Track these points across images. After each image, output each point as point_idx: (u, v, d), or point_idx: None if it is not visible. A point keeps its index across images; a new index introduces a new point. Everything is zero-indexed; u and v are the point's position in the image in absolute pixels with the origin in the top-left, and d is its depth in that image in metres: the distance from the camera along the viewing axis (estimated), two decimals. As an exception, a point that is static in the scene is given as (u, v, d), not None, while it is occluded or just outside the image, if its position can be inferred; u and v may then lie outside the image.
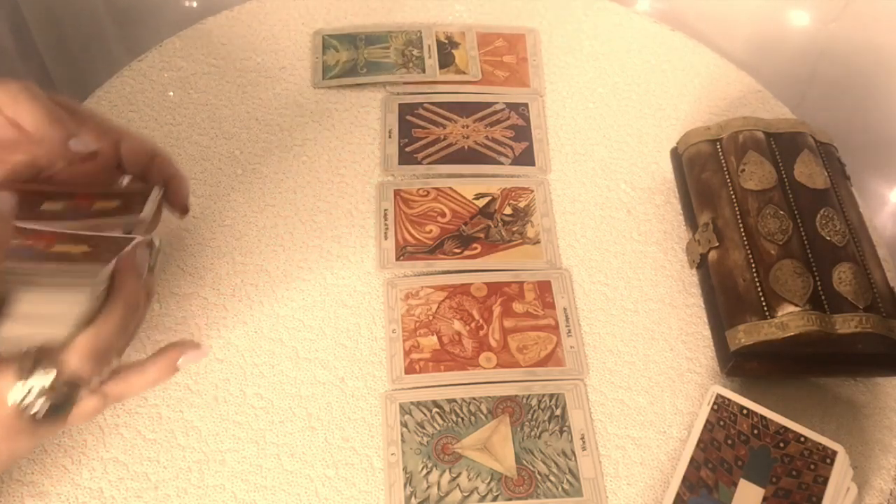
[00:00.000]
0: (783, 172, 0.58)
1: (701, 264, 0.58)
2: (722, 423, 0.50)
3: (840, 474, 0.48)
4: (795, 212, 0.56)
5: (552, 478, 0.51)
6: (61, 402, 0.39)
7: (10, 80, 0.43)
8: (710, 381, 0.55)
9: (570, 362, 0.55)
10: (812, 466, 0.49)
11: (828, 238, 0.54)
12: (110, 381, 0.42)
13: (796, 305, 0.51)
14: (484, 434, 0.52)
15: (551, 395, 0.54)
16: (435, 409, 0.53)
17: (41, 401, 0.38)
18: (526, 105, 0.69)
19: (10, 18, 0.85)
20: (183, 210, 0.51)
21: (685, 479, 0.48)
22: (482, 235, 0.61)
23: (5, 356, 0.38)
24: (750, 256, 0.54)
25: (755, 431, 0.50)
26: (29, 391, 0.38)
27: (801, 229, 0.55)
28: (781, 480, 0.48)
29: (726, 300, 0.54)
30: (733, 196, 0.57)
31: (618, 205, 0.64)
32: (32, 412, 0.38)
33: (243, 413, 0.53)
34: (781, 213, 0.55)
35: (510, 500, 0.50)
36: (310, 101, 0.69)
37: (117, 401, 0.43)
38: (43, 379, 0.38)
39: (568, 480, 0.51)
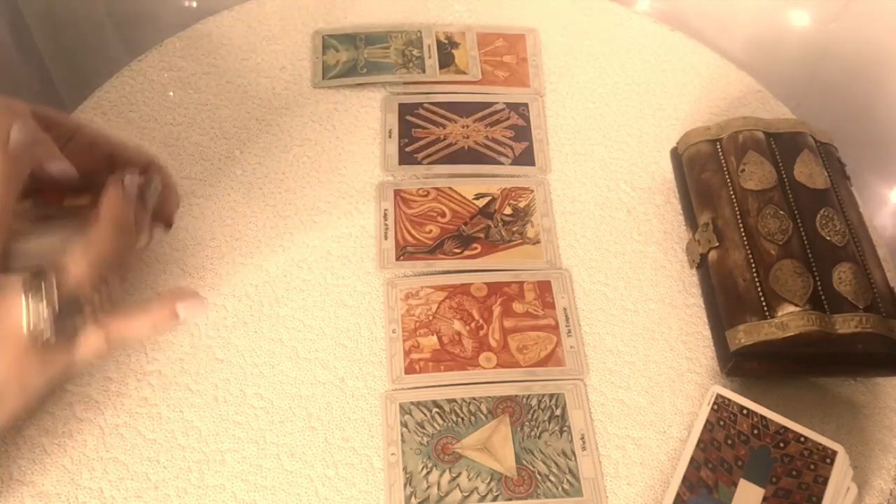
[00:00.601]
0: (783, 172, 0.58)
1: (701, 264, 0.58)
2: (722, 423, 0.50)
3: (840, 474, 0.48)
4: (795, 212, 0.56)
5: (552, 478, 0.51)
6: (66, 319, 0.40)
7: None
8: (710, 381, 0.55)
9: (570, 362, 0.56)
10: (812, 466, 0.49)
11: (828, 238, 0.54)
12: (111, 314, 0.43)
13: (796, 305, 0.51)
14: (484, 434, 0.52)
15: (551, 395, 0.54)
16: (435, 409, 0.53)
17: (47, 317, 0.39)
18: (526, 105, 0.69)
19: (10, 18, 0.85)
20: (168, 223, 0.51)
21: (685, 479, 0.48)
22: (482, 235, 0.61)
23: (9, 280, 0.39)
24: (750, 256, 0.54)
25: (755, 431, 0.50)
26: (35, 307, 0.39)
27: (801, 229, 0.55)
28: (781, 480, 0.48)
29: (726, 300, 0.54)
30: (733, 196, 0.57)
31: (618, 205, 0.64)
32: (40, 330, 0.39)
33: (243, 413, 0.53)
34: (781, 213, 0.55)
35: (510, 500, 0.50)
36: (310, 101, 0.69)
37: (119, 342, 0.44)
38: (47, 292, 0.39)
39: (568, 480, 0.51)
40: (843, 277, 0.52)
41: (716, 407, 0.51)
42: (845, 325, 0.51)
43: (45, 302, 0.39)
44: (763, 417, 0.51)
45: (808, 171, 0.57)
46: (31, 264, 0.41)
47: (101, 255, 0.41)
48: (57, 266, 0.40)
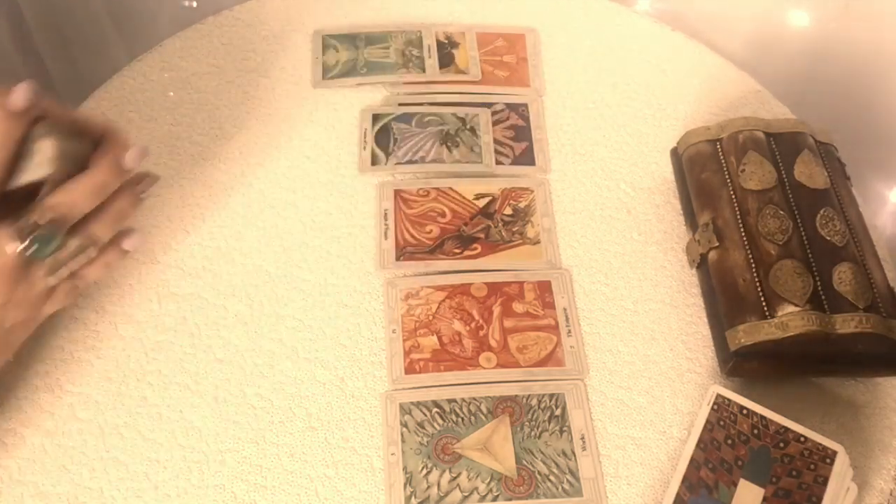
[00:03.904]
0: (783, 172, 0.58)
1: (701, 264, 0.58)
2: (722, 423, 0.50)
3: (840, 474, 0.48)
4: (795, 212, 0.56)
5: (552, 478, 0.51)
6: (47, 237, 0.43)
7: None
8: (710, 381, 0.55)
9: (570, 362, 0.56)
10: (812, 466, 0.49)
11: (828, 238, 0.54)
12: (57, 194, 0.45)
13: (796, 305, 0.51)
14: (484, 434, 0.52)
15: (551, 395, 0.54)
16: (435, 409, 0.53)
17: (29, 239, 0.43)
18: (526, 105, 0.69)
19: (10, 18, 0.85)
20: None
21: (685, 479, 0.48)
22: (482, 235, 0.61)
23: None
24: (750, 256, 0.54)
25: (755, 431, 0.50)
26: (24, 235, 0.43)
27: (801, 229, 0.55)
28: (781, 480, 0.48)
29: (726, 300, 0.54)
30: (733, 196, 0.57)
31: (618, 205, 0.64)
32: (23, 248, 0.43)
33: (243, 413, 0.53)
34: (781, 213, 0.55)
35: (510, 500, 0.50)
36: (310, 101, 0.69)
37: (71, 215, 0.45)
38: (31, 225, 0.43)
39: (568, 480, 0.51)
40: (843, 277, 0.52)
41: (716, 407, 0.51)
42: (845, 325, 0.51)
43: (29, 230, 0.43)
44: (763, 417, 0.51)
45: (808, 171, 0.57)
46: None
47: (76, 194, 0.44)
48: (38, 207, 0.43)
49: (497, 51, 0.73)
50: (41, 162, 0.44)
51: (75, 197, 0.44)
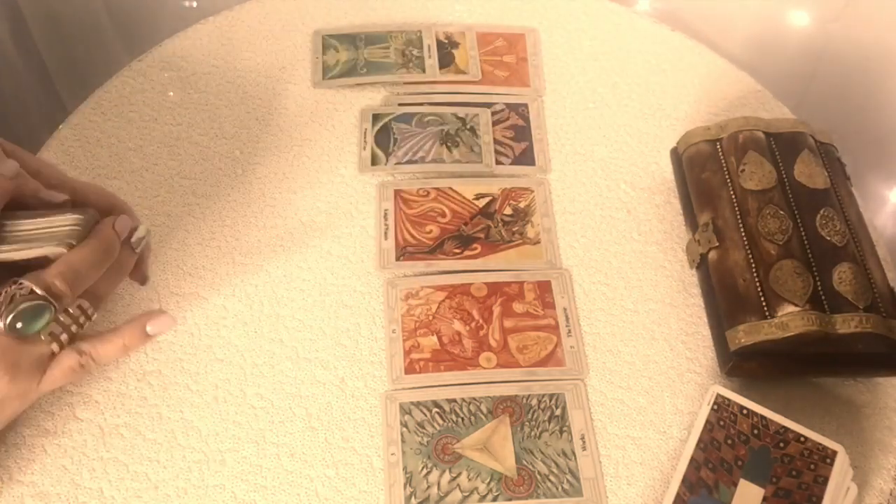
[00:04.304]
0: (783, 172, 0.58)
1: (701, 264, 0.58)
2: (722, 423, 0.50)
3: (840, 474, 0.48)
4: (795, 212, 0.56)
5: (552, 478, 0.51)
6: (34, 311, 0.42)
7: None
8: (710, 381, 0.55)
9: (570, 362, 0.56)
10: (812, 466, 0.49)
11: (828, 238, 0.54)
12: (86, 339, 0.46)
13: (796, 305, 0.51)
14: (484, 434, 0.52)
15: (551, 395, 0.54)
16: (435, 409, 0.53)
17: (14, 311, 0.42)
18: (526, 105, 0.69)
19: (10, 18, 0.85)
20: (142, 279, 0.53)
21: (685, 479, 0.48)
22: (482, 235, 0.61)
23: None
24: (750, 256, 0.54)
25: (755, 431, 0.50)
26: (7, 299, 0.42)
27: (801, 229, 0.55)
28: (781, 480, 0.48)
29: (726, 300, 0.54)
30: (733, 196, 0.57)
31: (618, 205, 0.64)
32: (7, 321, 0.42)
33: (243, 413, 0.53)
34: (781, 213, 0.55)
35: (510, 500, 0.50)
36: (310, 101, 0.69)
37: (94, 363, 0.46)
38: (17, 290, 0.42)
39: (568, 480, 0.51)
40: (843, 277, 0.52)
41: (716, 407, 0.51)
42: (845, 325, 0.51)
43: (14, 297, 0.42)
44: (763, 417, 0.51)
45: (808, 171, 0.57)
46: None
47: (76, 269, 0.44)
48: (32, 276, 0.43)
49: (497, 51, 0.73)
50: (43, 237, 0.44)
51: (71, 269, 0.44)
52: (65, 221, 0.45)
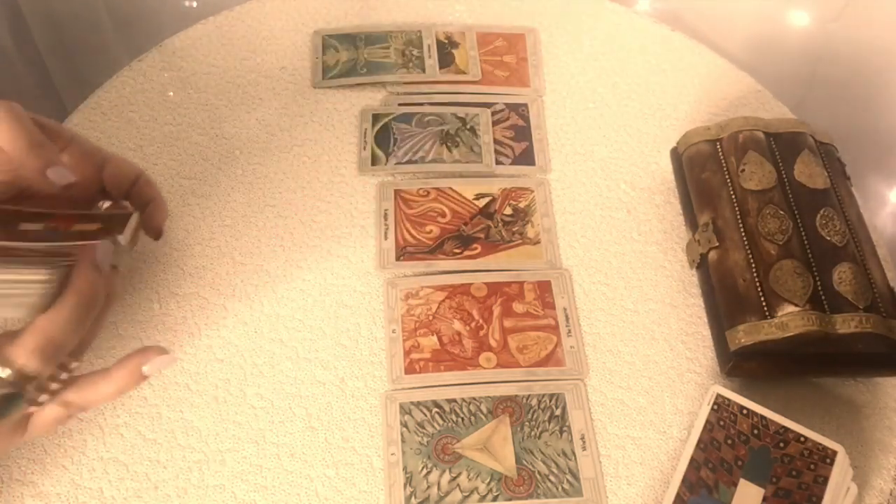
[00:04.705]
0: (783, 172, 0.58)
1: (701, 264, 0.58)
2: (722, 423, 0.50)
3: (840, 474, 0.48)
4: (795, 212, 0.56)
5: (552, 478, 0.51)
6: (9, 398, 0.38)
7: None
8: (710, 381, 0.55)
9: (570, 362, 0.56)
10: (812, 466, 0.49)
11: (828, 238, 0.54)
12: (72, 388, 0.41)
13: (796, 305, 0.51)
14: (484, 434, 0.52)
15: (551, 395, 0.54)
16: (435, 409, 0.53)
17: None
18: (526, 105, 0.69)
19: (10, 18, 0.85)
20: (157, 234, 0.50)
21: (685, 479, 0.48)
22: (482, 235, 0.61)
23: None
24: (750, 256, 0.54)
25: (755, 431, 0.50)
26: None
27: (801, 229, 0.55)
28: (781, 480, 0.48)
29: (726, 300, 0.54)
30: (733, 196, 0.57)
31: (618, 205, 0.64)
32: None
33: (243, 413, 0.53)
34: (781, 213, 0.55)
35: (510, 500, 0.50)
36: (310, 101, 0.69)
37: (83, 409, 0.42)
38: None
39: (568, 480, 0.51)
40: (843, 277, 0.52)
41: (716, 407, 0.51)
42: (845, 325, 0.51)
43: None
44: (763, 417, 0.51)
45: (808, 171, 0.57)
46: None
47: (58, 339, 0.38)
48: (3, 356, 0.37)
49: (497, 51, 0.73)
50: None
51: (49, 342, 0.37)
52: (34, 277, 0.38)
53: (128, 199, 0.49)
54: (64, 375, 0.41)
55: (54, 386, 0.40)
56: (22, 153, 0.42)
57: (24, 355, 0.37)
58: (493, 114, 0.68)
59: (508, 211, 0.63)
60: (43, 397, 0.40)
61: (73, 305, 0.38)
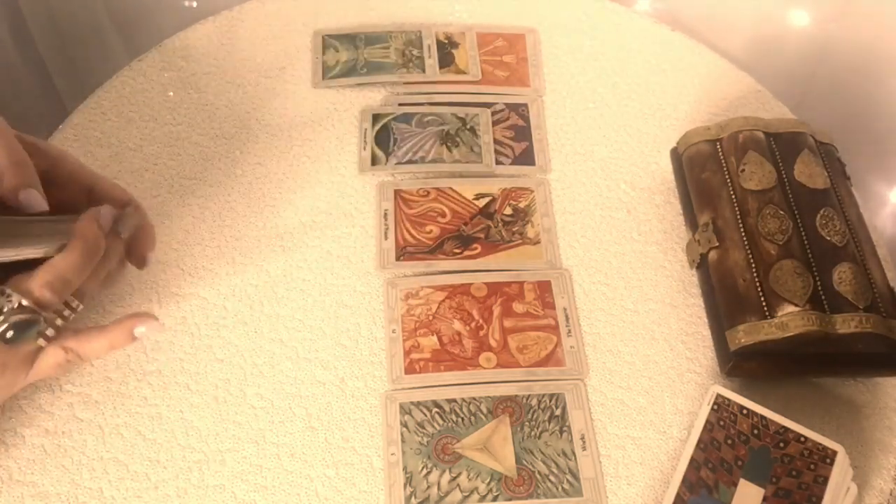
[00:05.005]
0: (783, 172, 0.58)
1: (701, 264, 0.58)
2: (722, 423, 0.50)
3: (840, 474, 0.48)
4: (795, 212, 0.56)
5: (552, 478, 0.51)
6: (24, 324, 0.42)
7: None
8: (710, 381, 0.55)
9: (570, 362, 0.56)
10: (812, 466, 0.49)
11: (828, 238, 0.54)
12: (73, 335, 0.46)
13: (796, 305, 0.51)
14: (484, 434, 0.52)
15: (551, 395, 0.54)
16: (435, 409, 0.53)
17: (3, 324, 0.42)
18: (526, 105, 0.69)
19: (10, 19, 0.85)
20: (141, 263, 0.52)
21: (685, 479, 0.48)
22: (482, 235, 0.61)
23: None
24: (750, 256, 0.54)
25: (755, 431, 0.50)
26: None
27: (801, 229, 0.55)
28: (781, 480, 0.48)
29: (726, 300, 0.54)
30: (733, 196, 0.57)
31: (618, 205, 0.64)
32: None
33: (243, 413, 0.53)
34: (781, 213, 0.55)
35: (510, 500, 0.50)
36: (310, 101, 0.69)
37: (79, 358, 0.47)
38: (5, 302, 0.42)
39: (568, 480, 0.51)
40: (843, 277, 0.52)
41: (716, 407, 0.51)
42: (845, 325, 0.51)
43: (4, 310, 0.42)
44: (763, 417, 0.51)
45: (808, 171, 0.57)
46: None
47: (66, 275, 0.44)
48: (19, 285, 0.43)
49: (497, 51, 0.73)
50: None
51: (59, 277, 0.43)
52: (55, 224, 0.44)
53: (116, 223, 0.49)
54: (68, 313, 0.46)
55: (60, 322, 0.45)
56: (3, 167, 0.44)
57: (39, 287, 0.42)
58: (493, 114, 0.68)
59: (508, 211, 0.63)
60: (50, 331, 0.45)
61: (79, 249, 0.44)
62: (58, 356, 0.46)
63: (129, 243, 0.50)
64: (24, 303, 0.42)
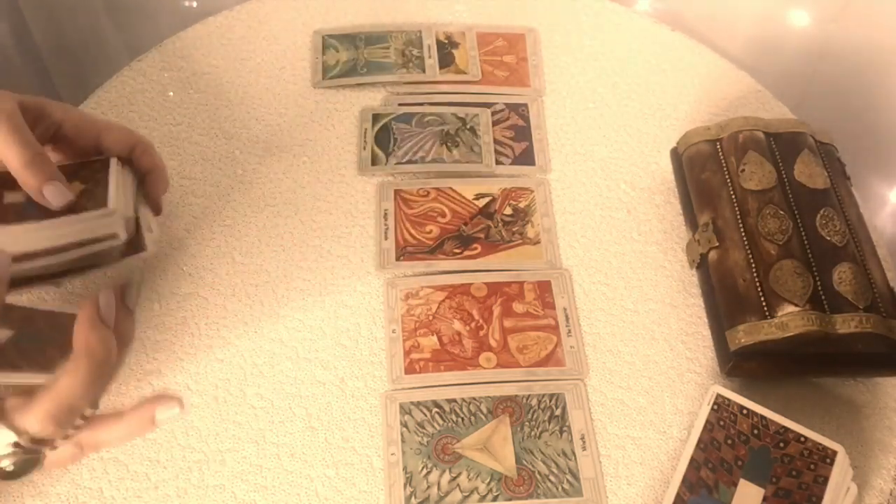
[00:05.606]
0: (783, 172, 0.58)
1: (701, 264, 0.58)
2: (722, 423, 0.50)
3: (840, 474, 0.48)
4: (795, 212, 0.56)
5: (552, 478, 0.51)
6: (27, 462, 0.38)
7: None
8: (710, 381, 0.55)
9: (570, 362, 0.55)
10: (812, 466, 0.49)
11: (828, 238, 0.54)
12: (86, 430, 0.41)
13: (796, 305, 0.51)
14: (484, 434, 0.52)
15: (551, 395, 0.54)
16: (435, 409, 0.53)
17: (6, 461, 0.37)
18: (526, 105, 0.69)
19: (10, 18, 0.85)
20: (156, 208, 0.51)
21: (685, 479, 0.48)
22: (482, 235, 0.61)
23: None
24: (750, 256, 0.54)
25: (755, 431, 0.50)
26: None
27: (801, 229, 0.55)
28: (781, 480, 0.48)
29: (726, 300, 0.54)
30: (733, 196, 0.57)
31: (618, 205, 0.64)
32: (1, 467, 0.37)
33: (243, 413, 0.53)
34: (781, 213, 0.55)
35: (510, 500, 0.50)
36: (310, 101, 0.69)
37: (95, 450, 0.44)
38: (5, 439, 0.37)
39: (568, 480, 0.51)
40: (843, 277, 0.52)
41: (716, 407, 0.51)
42: (845, 325, 0.51)
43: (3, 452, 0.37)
44: (763, 417, 0.51)
45: (808, 171, 0.57)
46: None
47: (71, 404, 0.38)
48: (16, 421, 0.37)
49: (497, 51, 0.73)
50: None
51: (62, 406, 0.37)
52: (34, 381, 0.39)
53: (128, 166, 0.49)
54: (80, 422, 0.40)
55: (71, 431, 0.40)
56: (19, 170, 0.43)
57: (38, 423, 0.37)
58: (493, 114, 0.68)
59: (508, 211, 0.63)
60: (59, 442, 0.40)
61: (84, 370, 0.38)
62: (70, 452, 0.42)
63: (144, 187, 0.48)
64: (21, 444, 0.37)
